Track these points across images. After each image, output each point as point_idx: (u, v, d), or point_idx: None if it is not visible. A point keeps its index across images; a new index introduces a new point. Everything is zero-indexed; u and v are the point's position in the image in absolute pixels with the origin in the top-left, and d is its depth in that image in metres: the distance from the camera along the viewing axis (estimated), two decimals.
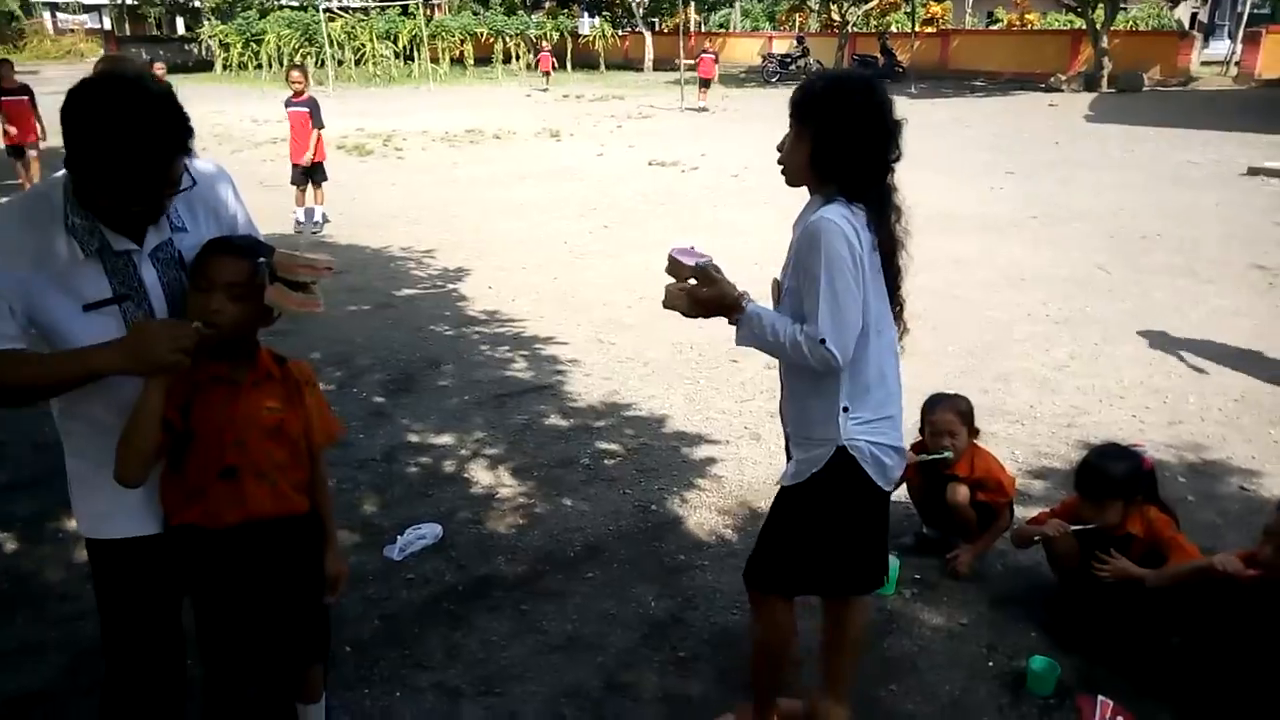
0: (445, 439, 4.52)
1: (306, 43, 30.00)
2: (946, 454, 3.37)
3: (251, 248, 1.99)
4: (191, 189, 1.96)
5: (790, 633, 2.49)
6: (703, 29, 41.72)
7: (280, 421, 2.03)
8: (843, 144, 2.07)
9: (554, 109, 21.81)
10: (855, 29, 32.87)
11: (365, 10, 33.78)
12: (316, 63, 29.25)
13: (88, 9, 43.38)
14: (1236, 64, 26.08)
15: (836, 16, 33.10)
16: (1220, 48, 31.80)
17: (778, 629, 2.46)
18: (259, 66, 30.82)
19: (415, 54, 31.68)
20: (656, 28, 39.56)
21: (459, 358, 5.58)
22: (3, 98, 10.29)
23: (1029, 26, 33.50)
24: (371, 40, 31.17)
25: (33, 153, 10.56)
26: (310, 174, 9.21)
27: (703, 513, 3.86)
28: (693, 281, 2.20)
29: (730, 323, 2.20)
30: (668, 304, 2.23)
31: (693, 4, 37.38)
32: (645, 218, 9.36)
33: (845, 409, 2.14)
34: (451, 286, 7.20)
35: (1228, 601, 2.58)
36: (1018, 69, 27.16)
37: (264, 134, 16.89)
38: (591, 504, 3.90)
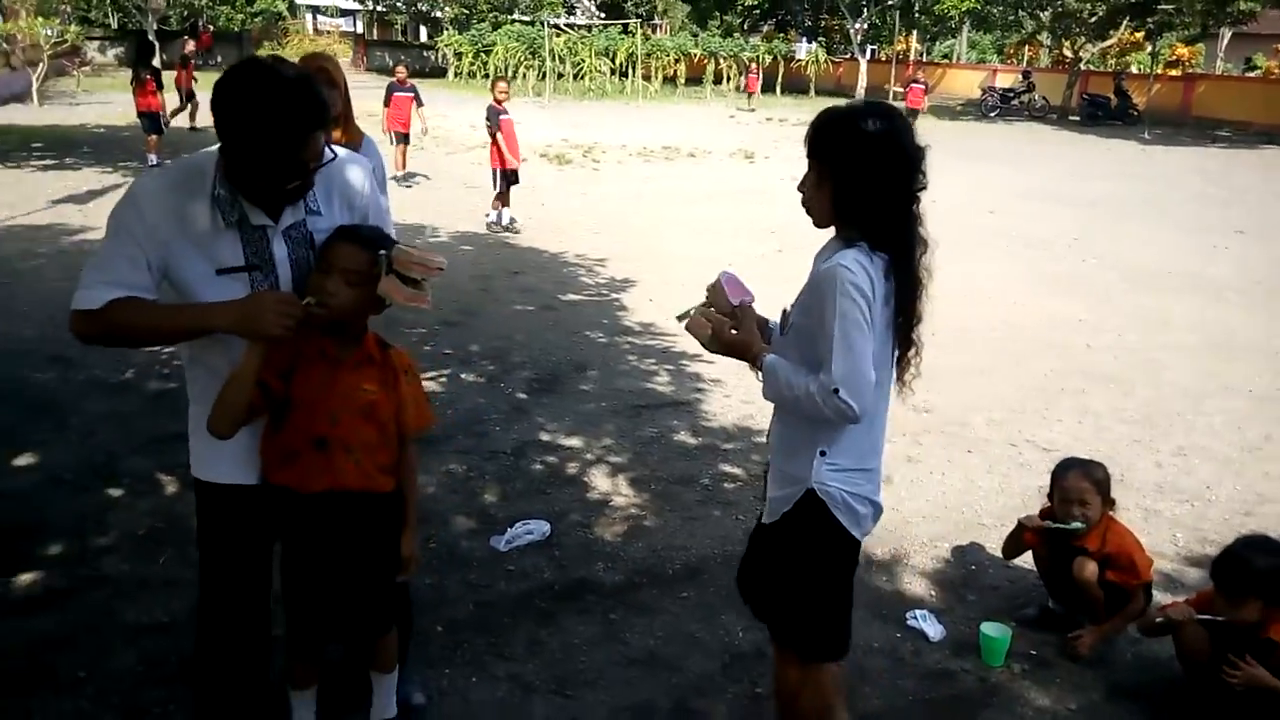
0: (574, 441, 4.62)
1: (530, 55, 31.52)
2: (1077, 525, 3.11)
3: (375, 240, 2.12)
4: (332, 176, 2.14)
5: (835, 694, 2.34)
6: (924, 59, 40.53)
7: (373, 403, 2.15)
8: (863, 184, 1.98)
9: (754, 131, 21.82)
10: (1089, 66, 30.95)
11: (588, 27, 35.18)
12: (538, 75, 30.69)
13: (344, 13, 47.55)
14: None
15: (1069, 53, 31.30)
16: None
17: (821, 708, 2.30)
18: (485, 75, 32.70)
19: (630, 71, 32.63)
20: (874, 55, 38.83)
21: (605, 365, 5.68)
22: None
23: None
24: (590, 56, 32.36)
25: None
26: (510, 178, 9.65)
27: None
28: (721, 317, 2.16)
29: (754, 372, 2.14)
30: (691, 329, 2.18)
31: (915, 32, 36.43)
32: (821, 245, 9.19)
33: (822, 453, 2.07)
34: (615, 295, 7.35)
35: None
36: (1270, 121, 24.64)
37: (479, 139, 17.85)
38: (702, 525, 3.87)
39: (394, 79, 12.63)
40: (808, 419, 2.05)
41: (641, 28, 34.52)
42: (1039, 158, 18.33)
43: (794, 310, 2.15)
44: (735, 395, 5.32)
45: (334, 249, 2.08)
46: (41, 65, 21.34)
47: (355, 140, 3.74)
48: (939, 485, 4.37)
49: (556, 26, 33.21)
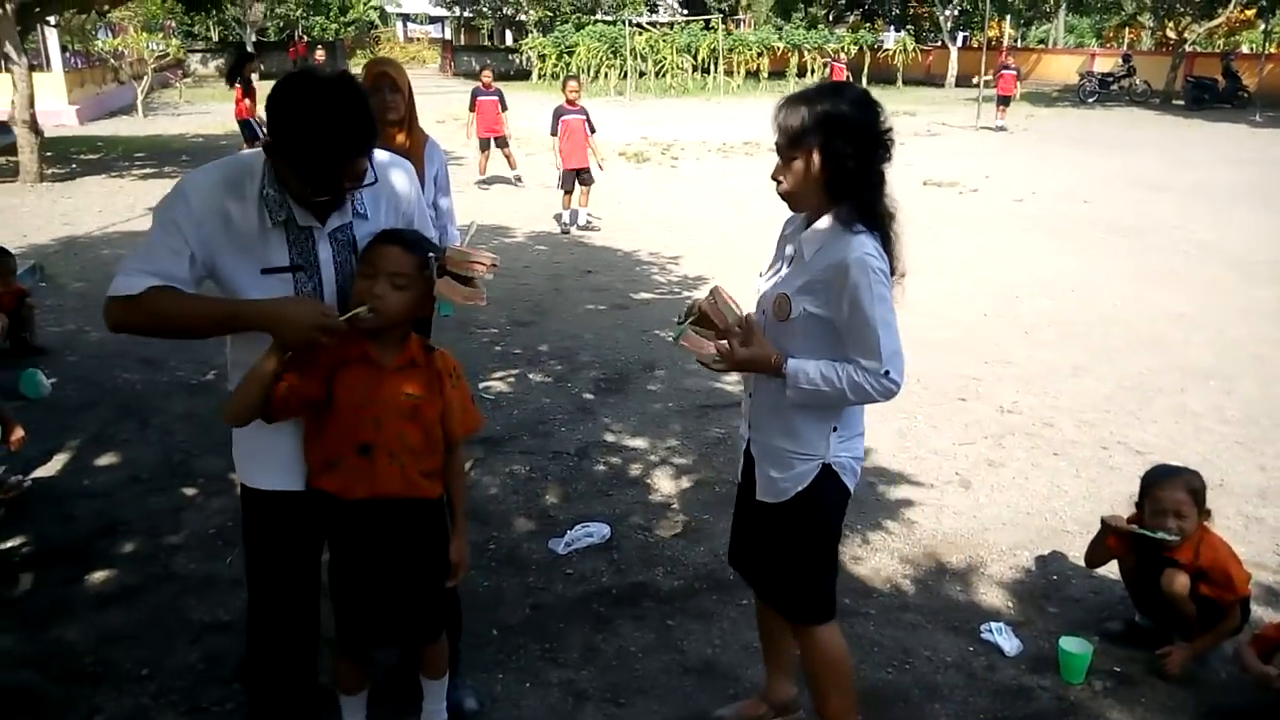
0: (639, 442, 4.55)
1: (612, 55, 31.61)
2: (1171, 536, 2.89)
3: (418, 242, 2.11)
4: (380, 181, 2.13)
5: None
6: (1018, 44, 39.16)
7: (417, 407, 2.12)
8: (856, 161, 2.04)
9: None
10: (1194, 48, 29.42)
11: (670, 24, 35.07)
12: (619, 74, 30.76)
13: (433, 20, 48.62)
14: None
15: (1173, 34, 29.81)
16: None
17: (840, 654, 2.43)
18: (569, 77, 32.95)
19: (712, 67, 32.42)
20: (965, 42, 37.71)
21: (674, 364, 5.60)
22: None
23: None
24: (672, 53, 32.27)
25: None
26: (579, 177, 9.64)
27: (883, 557, 3.59)
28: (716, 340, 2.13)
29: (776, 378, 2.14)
30: (691, 349, 2.17)
31: (1008, 17, 35.23)
32: (908, 239, 8.90)
33: (835, 429, 2.19)
34: (686, 294, 7.25)
35: None
36: None
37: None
38: None
39: (479, 84, 12.67)
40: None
41: (724, 23, 34.21)
42: (1139, 144, 17.49)
43: (799, 298, 2.12)
44: None
45: (379, 252, 2.07)
46: (146, 78, 22.36)
47: (418, 143, 3.76)
48: (1021, 490, 4.16)
49: (639, 25, 33.20)
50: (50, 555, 3.46)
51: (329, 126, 1.83)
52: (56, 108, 18.74)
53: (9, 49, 11.16)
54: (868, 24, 39.21)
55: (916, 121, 21.02)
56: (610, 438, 4.60)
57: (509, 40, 44.52)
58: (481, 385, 5.24)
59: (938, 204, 11.26)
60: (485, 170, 12.54)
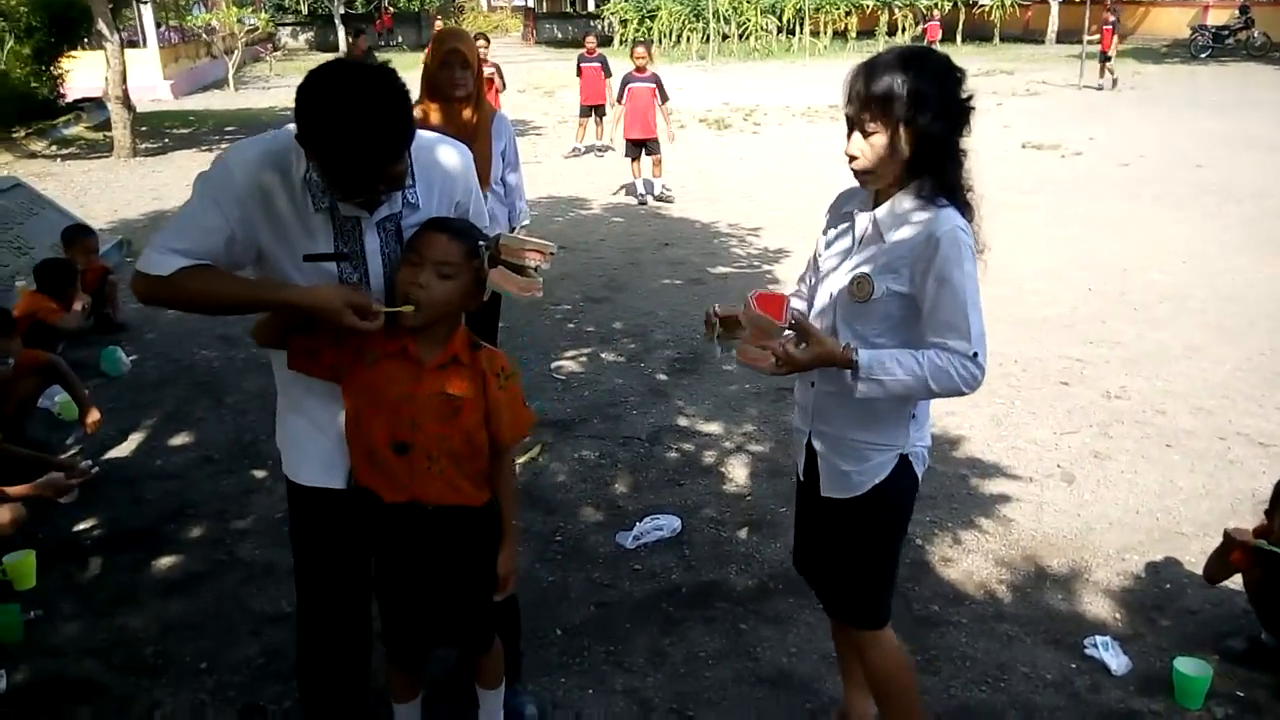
0: (713, 427, 4.35)
1: (695, 18, 30.99)
2: None
3: (467, 231, 1.96)
4: (432, 169, 2.00)
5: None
6: None
7: (458, 409, 1.97)
8: (942, 131, 1.87)
9: None
10: None
11: None
12: (701, 38, 30.16)
13: None
14: None
15: None
16: None
17: (905, 660, 2.27)
18: (650, 42, 32.47)
19: (798, 28, 31.52)
20: None
21: None
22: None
23: None
24: (756, 15, 31.48)
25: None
26: (645, 146, 9.38)
27: (976, 559, 3.33)
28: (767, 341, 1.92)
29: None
30: (748, 363, 1.96)
31: None
32: (1003, 207, 8.42)
33: (913, 416, 2.05)
34: (767, 268, 6.98)
35: None
36: None
37: None
38: None
39: (583, 50, 12.18)
40: None
41: None
42: (1257, 103, 16.29)
43: (881, 278, 1.94)
44: None
45: (425, 240, 1.92)
46: (237, 52, 22.82)
47: (485, 117, 3.61)
48: (1130, 486, 3.83)
49: None
50: (120, 539, 3.46)
51: (356, 134, 1.66)
52: (152, 82, 19.29)
53: (102, 26, 11.42)
54: None
55: (1014, 80, 20.08)
56: (683, 422, 4.42)
57: (591, 6, 44.13)
58: (553, 365, 5.11)
59: (1038, 168, 10.67)
60: (583, 139, 12.27)
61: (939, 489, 3.79)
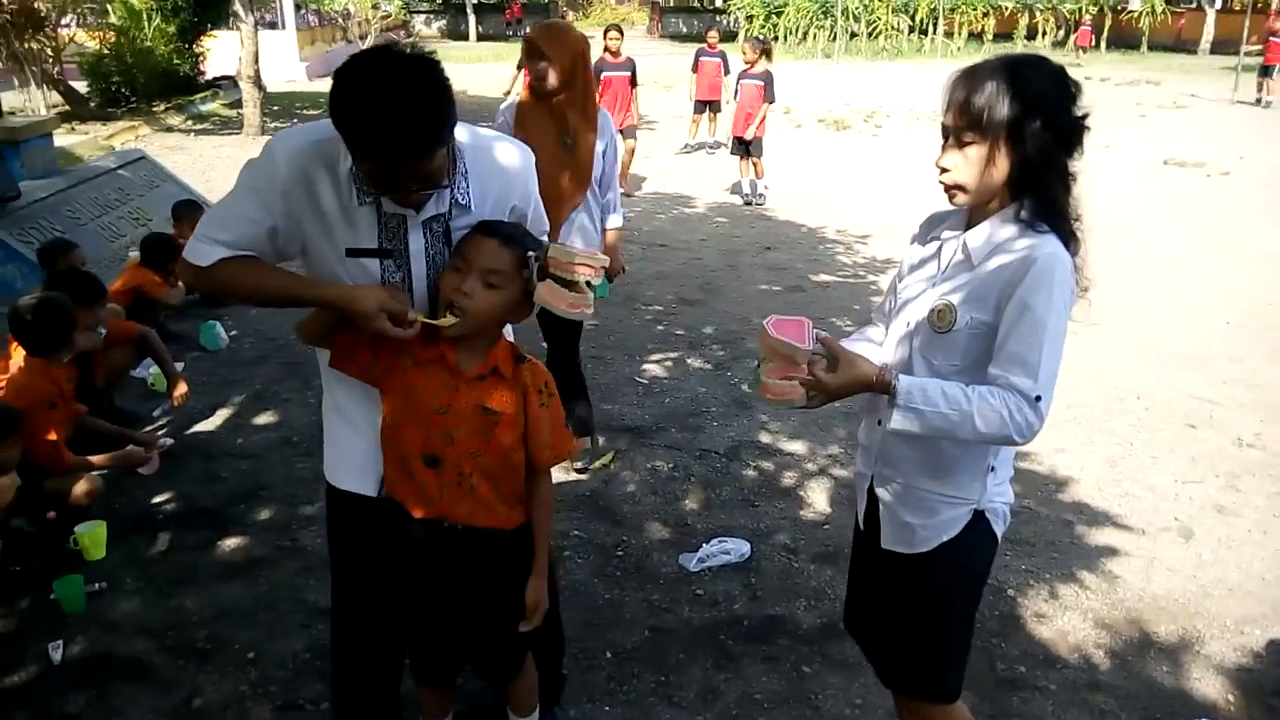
0: (797, 446, 4.13)
1: (823, 15, 30.35)
2: None
3: (518, 238, 1.84)
4: (489, 169, 1.89)
5: None
6: None
7: (496, 423, 1.85)
8: (1050, 150, 1.65)
9: None
10: None
11: None
12: (829, 35, 29.52)
13: None
14: None
15: None
16: None
17: None
18: (775, 38, 31.99)
19: (931, 28, 30.50)
20: (1226, 3, 33.57)
21: None
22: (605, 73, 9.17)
23: None
24: (887, 13, 30.61)
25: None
26: (747, 146, 9.13)
27: (1073, 618, 3.03)
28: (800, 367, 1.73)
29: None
30: (780, 397, 1.74)
31: None
32: (1141, 227, 7.85)
33: (992, 469, 1.81)
34: (871, 278, 6.67)
35: None
36: None
37: None
38: None
39: (704, 44, 11.78)
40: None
41: None
42: None
43: (966, 307, 1.71)
44: None
45: (473, 245, 1.80)
46: (371, 37, 23.55)
47: (587, 114, 3.48)
48: (1258, 548, 3.44)
49: None
50: (191, 516, 3.49)
51: (379, 127, 1.55)
52: (288, 63, 20.05)
53: (238, 7, 11.87)
54: None
55: (1161, 92, 18.90)
56: (765, 438, 4.21)
57: (718, 1, 43.81)
58: (638, 367, 4.97)
59: (1179, 187, 9.96)
60: (695, 135, 12.06)
61: (1039, 534, 3.49)
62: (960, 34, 30.87)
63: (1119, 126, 14.29)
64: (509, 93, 9.58)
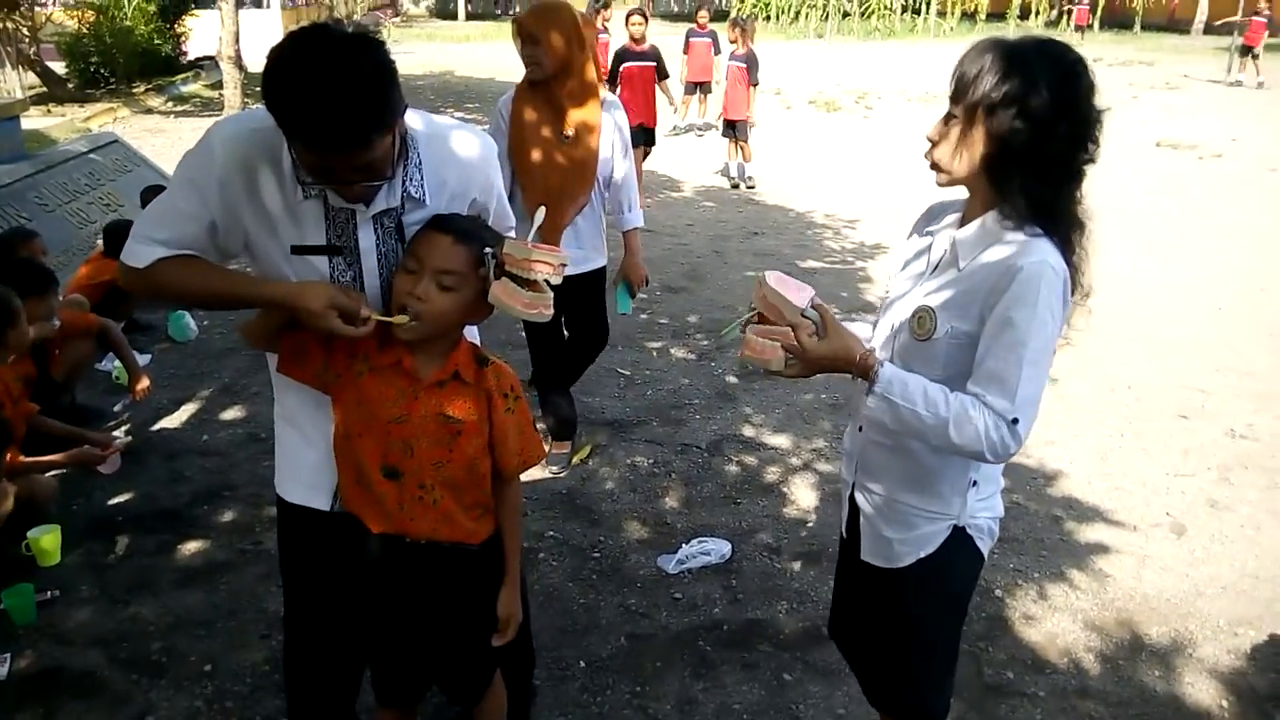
0: (781, 440, 4.02)
1: None
2: None
3: (474, 233, 1.71)
4: (446, 160, 1.76)
5: None
6: None
7: (458, 432, 1.72)
8: (1044, 141, 1.51)
9: None
10: None
11: None
12: (820, 15, 29.25)
13: None
14: None
15: None
16: None
17: None
18: (767, 18, 31.67)
19: (923, 7, 30.26)
20: None
21: None
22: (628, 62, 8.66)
23: None
24: None
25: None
26: (734, 129, 8.96)
27: (1063, 620, 2.94)
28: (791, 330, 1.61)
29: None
30: (756, 354, 1.63)
31: None
32: (1133, 210, 7.74)
33: (974, 483, 1.71)
34: (860, 264, 6.56)
35: None
36: None
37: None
38: None
39: (694, 24, 11.39)
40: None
41: None
42: None
43: (946, 313, 1.60)
44: None
45: (424, 243, 1.67)
46: (357, 17, 23.23)
47: (588, 98, 3.31)
48: (1250, 545, 3.35)
49: None
50: (151, 518, 3.37)
51: (311, 113, 1.43)
52: (273, 43, 19.72)
53: None
54: None
55: (1154, 73, 18.78)
56: (749, 431, 4.10)
57: None
58: (620, 358, 4.85)
59: (1172, 169, 9.85)
60: (685, 117, 11.86)
61: (1028, 531, 3.40)
62: (953, 13, 30.62)
63: (1111, 108, 14.15)
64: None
